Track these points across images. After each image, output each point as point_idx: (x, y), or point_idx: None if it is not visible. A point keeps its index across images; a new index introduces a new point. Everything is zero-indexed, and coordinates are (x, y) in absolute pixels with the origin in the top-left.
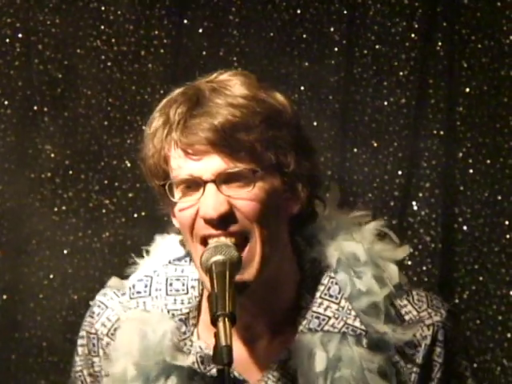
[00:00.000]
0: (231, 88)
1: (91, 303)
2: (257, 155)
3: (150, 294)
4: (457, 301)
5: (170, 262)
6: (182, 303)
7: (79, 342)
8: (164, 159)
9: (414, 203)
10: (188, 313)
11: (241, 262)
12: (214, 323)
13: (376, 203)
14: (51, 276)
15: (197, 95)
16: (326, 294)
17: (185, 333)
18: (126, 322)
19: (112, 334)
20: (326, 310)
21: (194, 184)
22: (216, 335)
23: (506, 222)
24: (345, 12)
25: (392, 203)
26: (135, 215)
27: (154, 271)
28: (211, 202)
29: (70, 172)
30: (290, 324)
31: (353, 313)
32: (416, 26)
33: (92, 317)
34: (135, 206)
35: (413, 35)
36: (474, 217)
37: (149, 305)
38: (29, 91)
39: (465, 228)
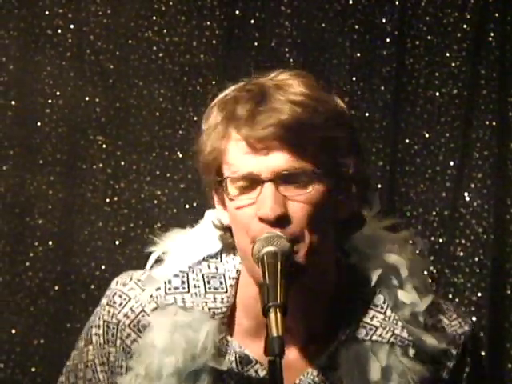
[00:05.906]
0: (294, 87)
1: (107, 292)
2: (318, 155)
3: (188, 291)
4: (509, 292)
5: (204, 259)
6: (222, 302)
7: (94, 330)
8: (223, 155)
9: (466, 194)
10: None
11: (292, 252)
12: (266, 314)
13: (428, 194)
14: (103, 267)
15: (262, 92)
16: (369, 303)
17: (221, 332)
18: (162, 317)
19: (134, 326)
20: (372, 319)
21: (252, 182)
22: (267, 326)
23: None
24: (397, 3)
25: (444, 194)
26: (187, 206)
27: (189, 267)
28: (269, 202)
29: (122, 163)
30: (327, 330)
31: (400, 323)
32: (468, 16)
33: (113, 306)
34: (187, 197)
35: (465, 26)
36: None
37: (188, 302)
38: (81, 82)
39: None
